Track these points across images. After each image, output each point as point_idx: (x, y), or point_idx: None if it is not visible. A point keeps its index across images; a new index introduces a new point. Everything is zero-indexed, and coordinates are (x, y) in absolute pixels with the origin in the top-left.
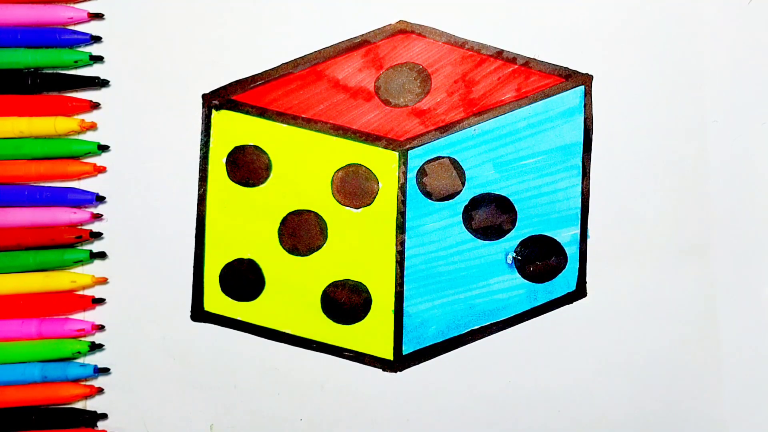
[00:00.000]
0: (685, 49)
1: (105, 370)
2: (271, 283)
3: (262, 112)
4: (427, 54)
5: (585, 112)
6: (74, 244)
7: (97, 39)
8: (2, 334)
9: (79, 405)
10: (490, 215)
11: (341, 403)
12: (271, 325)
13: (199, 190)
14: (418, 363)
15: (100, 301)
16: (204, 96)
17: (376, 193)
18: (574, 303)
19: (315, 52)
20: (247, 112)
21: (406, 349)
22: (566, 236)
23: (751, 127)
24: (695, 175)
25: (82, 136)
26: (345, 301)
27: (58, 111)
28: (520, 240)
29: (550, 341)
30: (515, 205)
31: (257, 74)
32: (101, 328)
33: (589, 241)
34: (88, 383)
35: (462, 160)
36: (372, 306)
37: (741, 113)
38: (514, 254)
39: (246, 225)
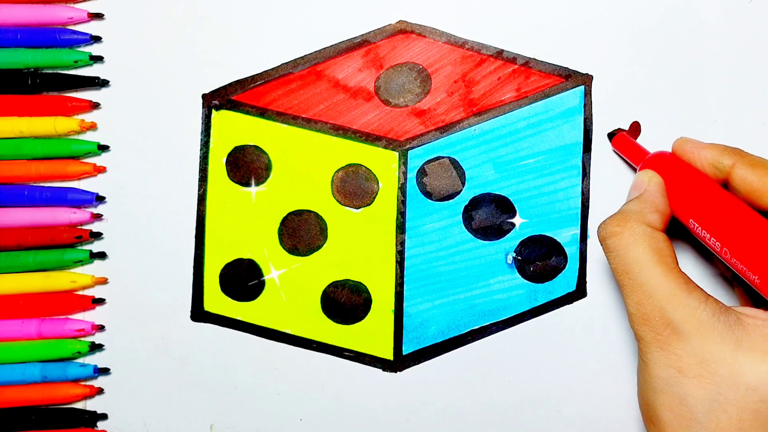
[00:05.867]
0: (685, 49)
1: (105, 370)
2: (271, 283)
3: (262, 112)
4: (427, 54)
5: (585, 112)
6: (74, 244)
7: (97, 39)
8: (2, 334)
9: (79, 405)
10: (490, 215)
11: (341, 403)
12: (271, 325)
13: (199, 190)
14: (418, 363)
15: (100, 301)
16: (204, 96)
17: (376, 193)
18: (574, 303)
19: (315, 52)
20: (247, 112)
21: (406, 349)
22: (566, 236)
23: (751, 127)
24: None
25: (82, 136)
26: (345, 301)
27: (58, 111)
28: (520, 240)
29: (550, 341)
30: (515, 205)
31: (257, 74)
32: (101, 328)
33: (589, 241)
34: (88, 383)
35: (462, 160)
36: (372, 306)
37: (741, 113)
38: (514, 254)
39: (246, 225)
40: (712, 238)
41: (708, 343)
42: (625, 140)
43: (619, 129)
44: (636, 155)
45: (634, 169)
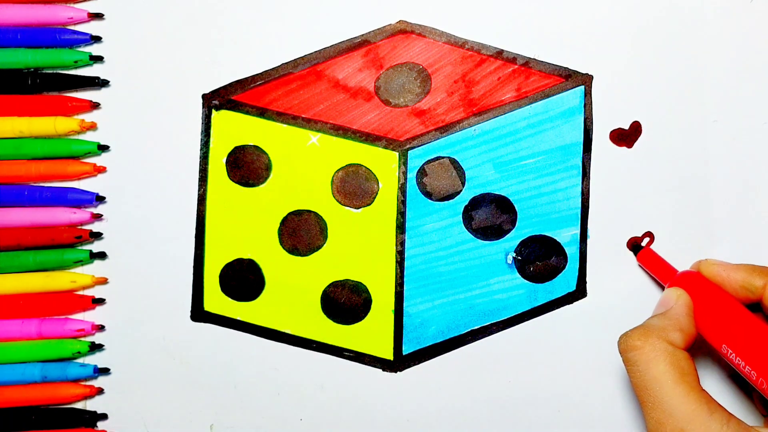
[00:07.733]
0: (685, 48)
1: (105, 370)
2: (271, 283)
3: (262, 112)
4: (427, 54)
5: (585, 112)
6: (74, 244)
7: (97, 39)
8: (2, 334)
9: (79, 405)
10: (490, 215)
11: (341, 403)
12: (271, 325)
13: (199, 190)
14: (418, 363)
15: (100, 301)
16: (204, 96)
17: (376, 193)
18: (574, 303)
19: (315, 52)
20: (247, 112)
21: (406, 349)
22: (566, 236)
23: (751, 127)
24: (695, 174)
25: (82, 136)
26: (345, 301)
27: (58, 111)
28: (520, 240)
29: (550, 341)
30: (515, 205)
31: (257, 74)
32: (101, 328)
33: (589, 241)
34: (88, 383)
35: (462, 160)
36: (372, 306)
37: (741, 113)
38: (514, 254)
39: (246, 225)
40: (747, 366)
41: None
42: (652, 256)
43: (636, 238)
44: (663, 272)
45: (659, 285)
